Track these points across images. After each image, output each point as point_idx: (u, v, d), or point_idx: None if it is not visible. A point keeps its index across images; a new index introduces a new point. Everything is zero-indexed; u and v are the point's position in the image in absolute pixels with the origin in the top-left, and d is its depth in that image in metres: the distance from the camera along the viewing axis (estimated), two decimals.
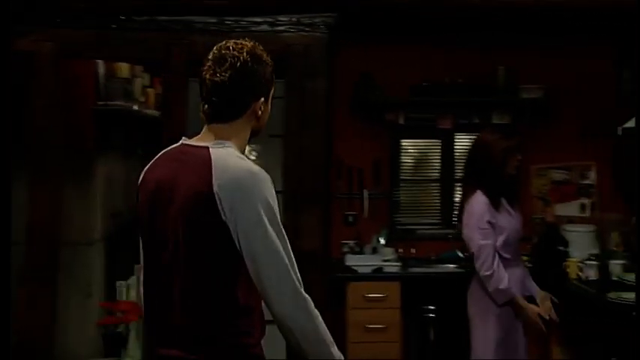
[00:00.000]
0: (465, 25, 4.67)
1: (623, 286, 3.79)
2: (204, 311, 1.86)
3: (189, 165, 1.89)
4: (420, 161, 5.15)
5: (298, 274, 1.86)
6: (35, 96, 2.60)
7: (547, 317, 3.43)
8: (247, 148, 5.42)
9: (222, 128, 1.95)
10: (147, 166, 2.01)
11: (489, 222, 3.40)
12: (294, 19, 2.31)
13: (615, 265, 4.08)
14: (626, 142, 4.44)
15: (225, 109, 1.93)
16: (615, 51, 4.85)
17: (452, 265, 4.72)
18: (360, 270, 4.50)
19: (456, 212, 4.93)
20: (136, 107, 3.55)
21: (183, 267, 1.87)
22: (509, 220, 3.47)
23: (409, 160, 5.12)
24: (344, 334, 4.35)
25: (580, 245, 4.41)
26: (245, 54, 1.93)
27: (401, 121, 4.87)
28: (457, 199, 5.01)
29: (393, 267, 4.56)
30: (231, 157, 1.87)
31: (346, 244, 4.82)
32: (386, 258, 4.64)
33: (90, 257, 3.15)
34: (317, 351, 1.88)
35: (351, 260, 4.65)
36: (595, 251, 4.37)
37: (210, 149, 1.89)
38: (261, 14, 2.29)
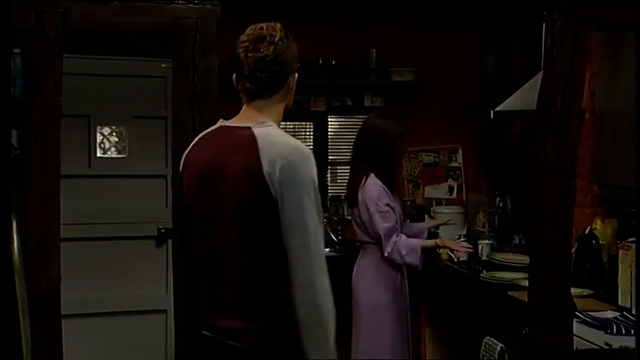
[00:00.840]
0: (337, 8, 4.64)
1: (493, 265, 3.92)
2: (260, 284, 1.97)
3: (237, 146, 2.00)
4: None
5: (323, 259, 1.95)
6: None
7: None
8: (107, 130, 4.99)
9: (262, 105, 2.09)
10: (188, 149, 2.12)
11: (388, 204, 3.41)
12: None
13: (483, 246, 4.21)
14: (497, 125, 4.60)
15: (268, 82, 2.07)
16: (480, 37, 5.01)
17: (326, 250, 4.68)
18: None
19: (330, 194, 4.94)
20: None
21: (237, 243, 1.97)
22: (397, 202, 3.51)
23: None
24: None
25: (450, 227, 4.51)
26: (279, 31, 2.12)
27: None
28: (330, 182, 5.01)
29: None
30: (275, 136, 2.01)
31: None
32: None
33: None
34: (313, 347, 1.94)
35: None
36: (464, 232, 4.50)
37: (254, 129, 2.01)
38: None
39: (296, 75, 2.14)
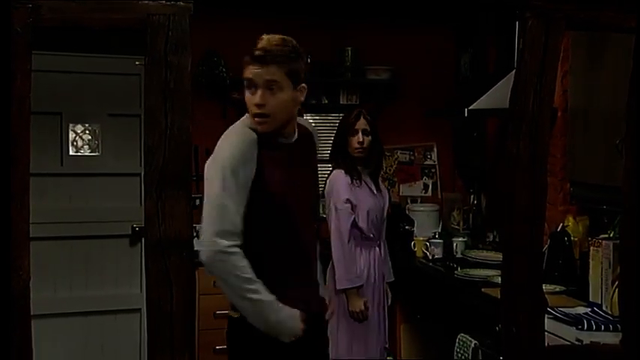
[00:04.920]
0: (312, 5, 4.64)
1: (467, 262, 3.95)
2: None
3: None
4: None
5: (223, 223, 2.21)
6: None
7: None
8: (80, 128, 4.93)
9: None
10: None
11: (348, 200, 3.41)
12: None
13: (458, 243, 4.24)
14: (471, 124, 4.63)
15: None
16: (455, 36, 5.03)
17: None
18: None
19: None
20: None
21: None
22: (371, 199, 3.50)
23: None
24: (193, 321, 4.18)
25: (425, 224, 4.55)
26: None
27: None
28: None
29: None
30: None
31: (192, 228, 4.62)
32: None
33: None
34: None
35: (199, 244, 4.47)
36: (438, 230, 4.53)
37: None
38: None
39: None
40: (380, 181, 3.67)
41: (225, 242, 2.22)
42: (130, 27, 2.17)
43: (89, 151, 4.56)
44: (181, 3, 2.11)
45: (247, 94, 2.31)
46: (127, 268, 4.54)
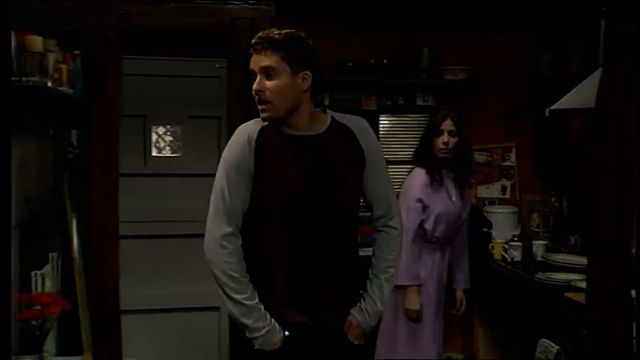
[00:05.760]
0: (389, 7, 4.63)
1: (548, 266, 3.86)
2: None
3: None
4: None
5: (219, 224, 2.24)
6: None
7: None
8: (162, 129, 5.09)
9: None
10: None
11: (420, 200, 3.39)
12: None
13: (538, 246, 4.15)
14: (553, 124, 4.52)
15: None
16: (536, 35, 4.92)
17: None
18: None
19: None
20: (50, 84, 3.29)
21: None
22: (446, 204, 3.45)
23: None
24: None
25: (503, 226, 4.47)
26: None
27: (325, 101, 4.78)
28: None
29: None
30: None
31: None
32: None
33: None
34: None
35: None
36: (517, 232, 4.44)
37: None
38: None
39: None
40: (467, 189, 3.62)
41: (221, 231, 2.23)
42: (213, 31, 2.23)
43: (171, 152, 4.69)
44: (264, 6, 2.16)
45: None
46: (207, 267, 4.63)
